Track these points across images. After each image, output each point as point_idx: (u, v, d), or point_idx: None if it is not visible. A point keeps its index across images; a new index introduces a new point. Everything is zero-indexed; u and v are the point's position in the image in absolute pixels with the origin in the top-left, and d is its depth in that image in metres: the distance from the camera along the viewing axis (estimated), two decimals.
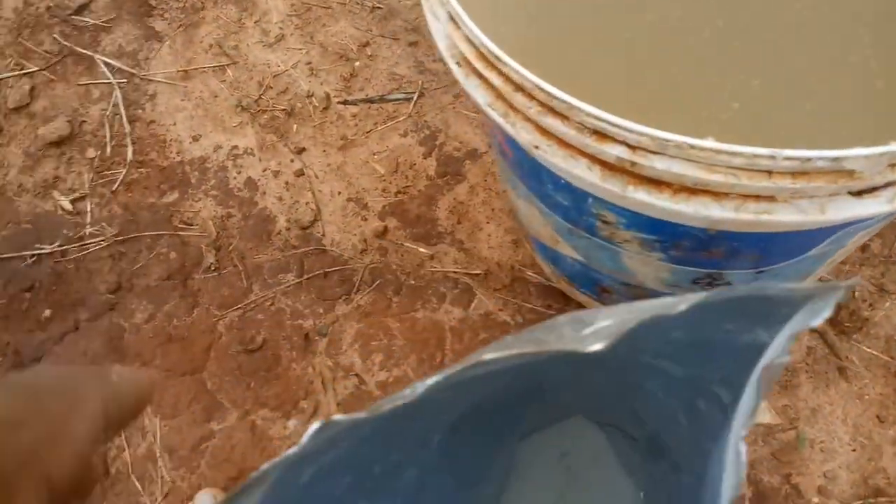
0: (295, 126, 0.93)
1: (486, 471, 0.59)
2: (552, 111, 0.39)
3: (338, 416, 0.27)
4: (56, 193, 0.95)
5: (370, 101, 0.93)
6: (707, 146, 0.34)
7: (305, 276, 0.84)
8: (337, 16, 0.99)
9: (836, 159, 0.33)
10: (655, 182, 0.39)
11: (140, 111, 0.97)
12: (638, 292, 0.61)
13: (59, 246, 0.91)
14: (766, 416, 0.68)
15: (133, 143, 0.95)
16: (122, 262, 0.89)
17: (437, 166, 0.87)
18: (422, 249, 0.83)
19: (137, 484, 0.77)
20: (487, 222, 0.83)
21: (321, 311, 0.82)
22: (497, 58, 0.39)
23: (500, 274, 0.80)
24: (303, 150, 0.91)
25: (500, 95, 0.43)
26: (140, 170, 0.94)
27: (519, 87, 0.40)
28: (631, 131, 0.36)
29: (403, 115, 0.90)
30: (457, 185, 0.85)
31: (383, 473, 0.44)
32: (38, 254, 0.91)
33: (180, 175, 0.93)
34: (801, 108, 0.46)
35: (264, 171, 0.91)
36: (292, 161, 0.91)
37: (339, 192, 0.88)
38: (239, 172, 0.92)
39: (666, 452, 0.55)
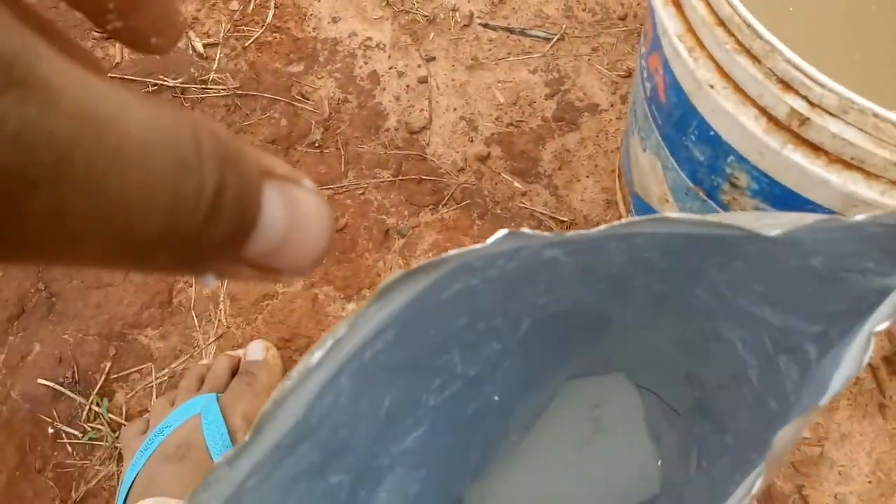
0: (432, 34, 0.96)
1: (540, 389, 0.62)
2: (748, 52, 0.41)
3: (525, 230, 0.30)
4: (192, 34, 0.99)
5: (510, 30, 0.95)
6: (891, 118, 0.37)
7: (400, 178, 0.88)
8: None
9: None
10: (814, 147, 0.42)
11: None
12: None
13: (182, 82, 0.95)
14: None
15: (275, 7, 0.99)
16: (235, 115, 0.93)
17: (556, 110, 0.89)
18: (517, 184, 0.86)
19: (195, 319, 0.82)
20: (587, 176, 0.86)
21: (406, 213, 0.86)
22: None
23: (584, 226, 0.83)
24: (432, 59, 0.94)
25: (691, 28, 0.46)
26: (275, 34, 0.98)
27: (721, 22, 0.42)
28: (822, 86, 0.38)
29: (538, 53, 0.93)
30: (569, 132, 0.88)
31: (483, 334, 0.47)
32: (161, 84, 0.95)
33: (311, 50, 0.96)
34: None
35: (390, 68, 0.95)
36: (419, 67, 0.94)
37: (455, 109, 0.91)
38: (366, 63, 0.95)
39: (712, 414, 0.58)
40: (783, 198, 0.49)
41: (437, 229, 0.84)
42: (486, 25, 0.96)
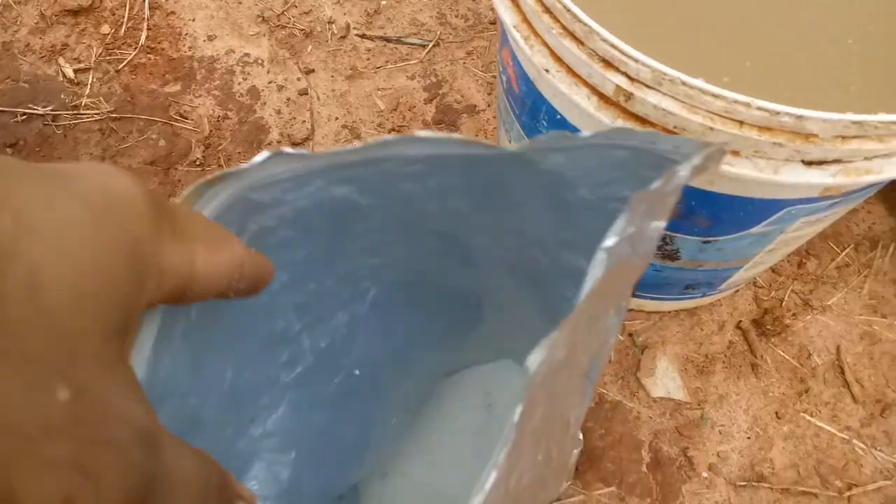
0: (310, 47, 0.97)
1: (415, 367, 0.61)
2: (571, 35, 0.44)
3: (287, 149, 0.30)
4: (61, 60, 0.96)
5: (387, 39, 0.97)
6: (696, 84, 0.40)
7: None
8: None
9: (799, 117, 0.40)
10: (641, 119, 0.45)
11: (163, 0, 1.00)
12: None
13: (53, 110, 0.93)
14: (679, 394, 0.75)
15: (149, 29, 0.98)
16: (111, 139, 0.91)
17: (436, 113, 0.92)
18: None
19: None
20: None
21: None
22: None
23: None
24: (312, 71, 0.95)
25: (525, 18, 0.48)
26: (149, 56, 0.97)
27: (547, 10, 0.45)
28: (636, 60, 0.41)
29: (415, 59, 0.95)
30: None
31: (317, 297, 0.46)
32: (30, 113, 0.92)
33: (187, 69, 0.96)
34: (806, 79, 0.51)
35: (269, 83, 0.95)
36: (299, 79, 0.95)
37: (337, 118, 0.92)
38: (245, 79, 0.95)
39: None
40: None
41: None
42: (363, 36, 0.97)
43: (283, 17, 0.99)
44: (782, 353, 0.78)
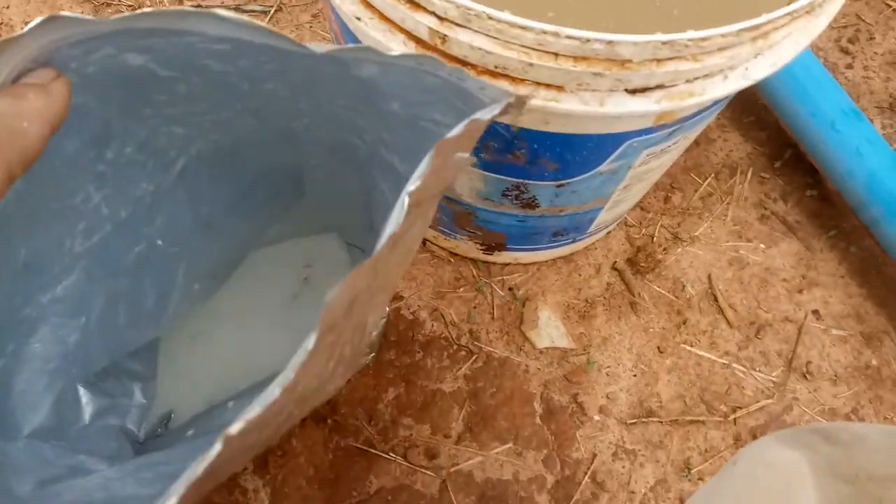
0: None
1: (223, 238, 0.60)
2: None
3: (65, 13, 0.28)
4: None
5: (224, 8, 0.91)
6: (503, 18, 0.38)
7: None
8: None
9: (609, 42, 0.38)
10: (462, 62, 0.43)
11: None
12: (456, 208, 0.65)
13: None
14: (563, 341, 0.75)
15: None
16: None
17: None
18: None
19: None
20: None
21: None
22: None
23: None
24: None
25: None
26: None
27: None
28: None
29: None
30: None
31: (116, 167, 0.44)
32: None
33: None
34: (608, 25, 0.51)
35: None
36: None
37: None
38: None
39: None
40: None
41: None
42: (198, 6, 0.91)
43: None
44: (658, 289, 0.78)
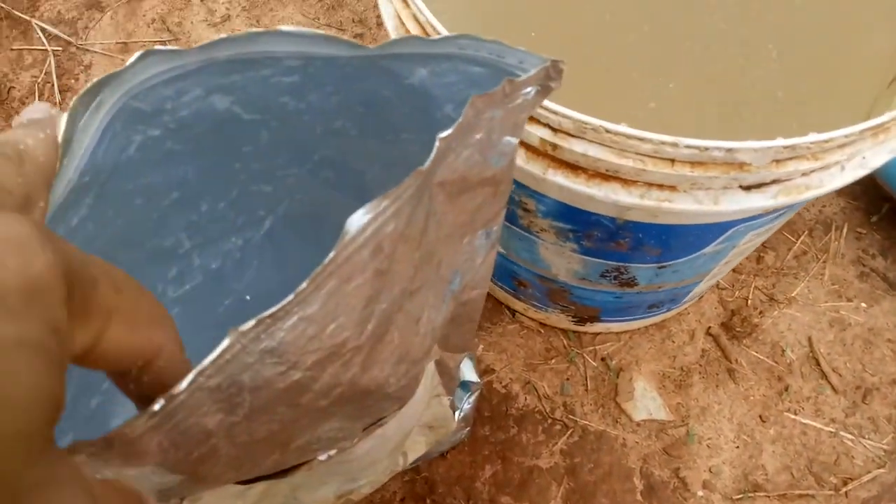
0: None
1: None
2: None
3: (159, 47, 0.29)
4: None
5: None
6: (620, 131, 0.38)
7: None
8: (285, 2, 1.01)
9: (729, 150, 0.38)
10: (573, 167, 0.43)
11: (73, 81, 0.95)
12: (551, 286, 0.65)
13: None
14: (661, 413, 0.73)
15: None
16: None
17: None
18: None
19: None
20: None
21: None
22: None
23: None
24: None
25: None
26: None
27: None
28: (555, 113, 0.39)
29: None
30: None
31: (209, 219, 0.45)
32: None
33: None
34: (711, 111, 0.51)
35: None
36: None
37: None
38: None
39: None
40: (567, 213, 0.50)
41: None
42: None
43: None
44: (756, 354, 0.76)
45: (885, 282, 0.79)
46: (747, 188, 0.42)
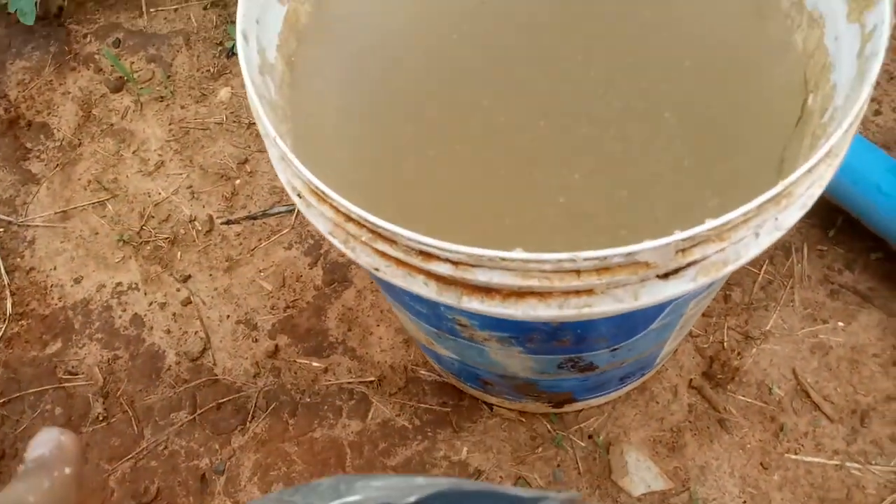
0: (179, 253, 0.93)
1: None
2: (381, 237, 0.41)
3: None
4: None
5: (253, 217, 0.94)
6: (516, 257, 0.37)
7: (198, 412, 0.83)
8: (215, 136, 1.01)
9: (629, 254, 0.37)
10: (486, 290, 0.42)
11: (19, 259, 0.95)
12: (515, 382, 0.64)
13: None
14: (659, 483, 0.71)
15: (12, 295, 0.93)
16: (5, 427, 0.85)
17: (324, 275, 0.88)
18: (315, 363, 0.83)
19: None
20: (377, 325, 0.85)
21: (217, 446, 0.80)
22: (324, 193, 0.42)
23: (394, 377, 0.81)
24: (188, 277, 0.91)
25: (337, 224, 0.45)
26: (21, 322, 0.92)
27: (349, 218, 0.42)
28: (447, 251, 0.38)
29: (286, 227, 0.92)
30: (344, 291, 0.87)
31: None
32: None
33: (63, 322, 0.91)
34: (622, 193, 0.50)
35: (150, 304, 0.90)
36: (178, 290, 0.91)
37: (228, 316, 0.88)
38: (124, 310, 0.91)
39: None
40: (502, 325, 0.49)
41: (254, 448, 0.79)
42: (227, 222, 0.94)
43: (144, 233, 0.95)
44: (743, 398, 0.74)
45: (857, 295, 0.78)
46: (664, 276, 0.41)
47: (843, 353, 0.75)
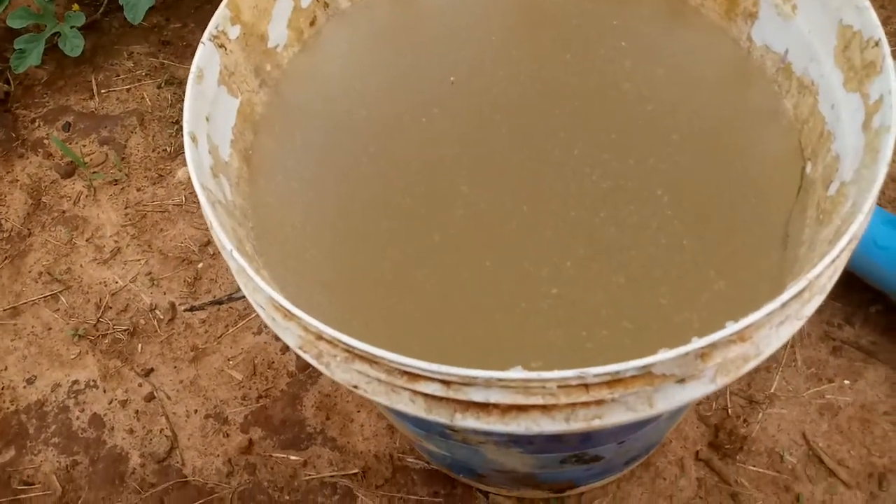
0: (140, 345, 0.87)
1: None
2: (359, 357, 0.37)
3: None
4: None
5: (218, 302, 0.89)
6: (515, 377, 0.33)
7: None
8: (174, 218, 0.96)
9: (644, 367, 0.33)
10: (482, 406, 0.37)
11: None
12: (513, 475, 0.59)
13: None
14: None
15: None
16: None
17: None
18: (292, 457, 0.77)
19: None
20: (358, 411, 0.79)
21: None
22: (290, 312, 0.37)
23: (379, 467, 0.75)
24: (150, 370, 0.85)
25: (307, 340, 0.40)
26: None
27: (321, 337, 0.37)
28: (437, 372, 0.34)
29: (255, 311, 0.87)
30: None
31: None
32: None
33: (16, 427, 0.84)
34: (619, 280, 0.46)
35: (110, 403, 0.84)
36: (140, 385, 0.84)
37: (196, 411, 0.82)
38: (82, 411, 0.84)
39: None
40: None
41: None
42: (191, 309, 0.88)
43: (101, 325, 0.89)
44: (754, 468, 0.70)
45: (860, 351, 0.74)
46: (682, 381, 0.37)
47: (852, 412, 0.71)
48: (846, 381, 0.73)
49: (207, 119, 0.45)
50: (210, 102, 0.46)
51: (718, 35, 0.55)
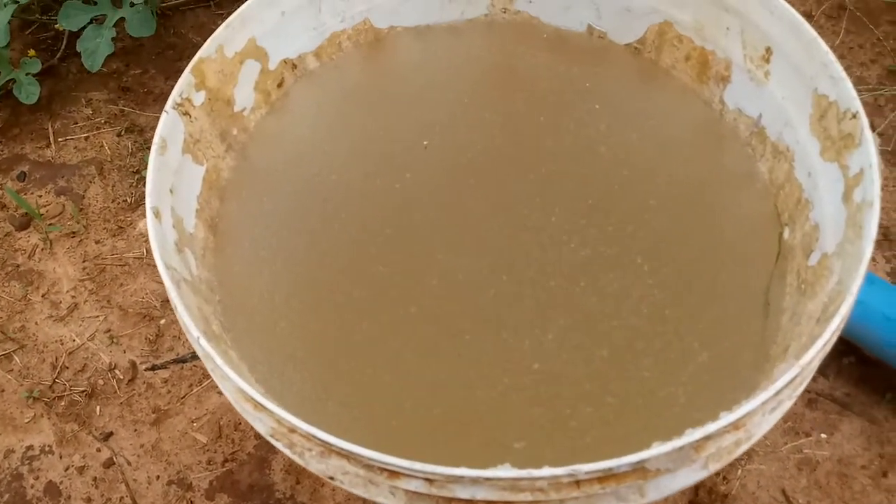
0: (98, 408, 0.83)
1: None
2: (335, 453, 0.34)
3: None
4: None
5: (182, 360, 0.85)
6: (504, 476, 0.31)
7: None
8: (135, 272, 0.93)
9: (638, 462, 0.31)
10: (468, 502, 0.36)
11: None
12: None
13: None
14: None
15: None
16: None
17: None
18: None
19: None
20: None
21: None
22: (261, 405, 0.35)
23: None
24: (110, 434, 0.81)
25: (280, 431, 0.38)
26: None
27: (293, 430, 0.35)
28: (419, 471, 0.32)
29: None
30: None
31: None
32: None
33: None
34: (601, 353, 0.45)
35: (67, 469, 0.79)
36: (99, 450, 0.80)
37: (158, 477, 0.78)
38: (36, 478, 0.79)
39: None
40: None
41: None
42: (153, 368, 0.85)
43: (57, 386, 0.84)
44: None
45: (835, 403, 0.74)
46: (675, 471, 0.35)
47: (830, 467, 0.71)
48: (823, 435, 0.73)
49: (171, 191, 0.43)
50: (174, 172, 0.44)
51: (691, 97, 0.55)
